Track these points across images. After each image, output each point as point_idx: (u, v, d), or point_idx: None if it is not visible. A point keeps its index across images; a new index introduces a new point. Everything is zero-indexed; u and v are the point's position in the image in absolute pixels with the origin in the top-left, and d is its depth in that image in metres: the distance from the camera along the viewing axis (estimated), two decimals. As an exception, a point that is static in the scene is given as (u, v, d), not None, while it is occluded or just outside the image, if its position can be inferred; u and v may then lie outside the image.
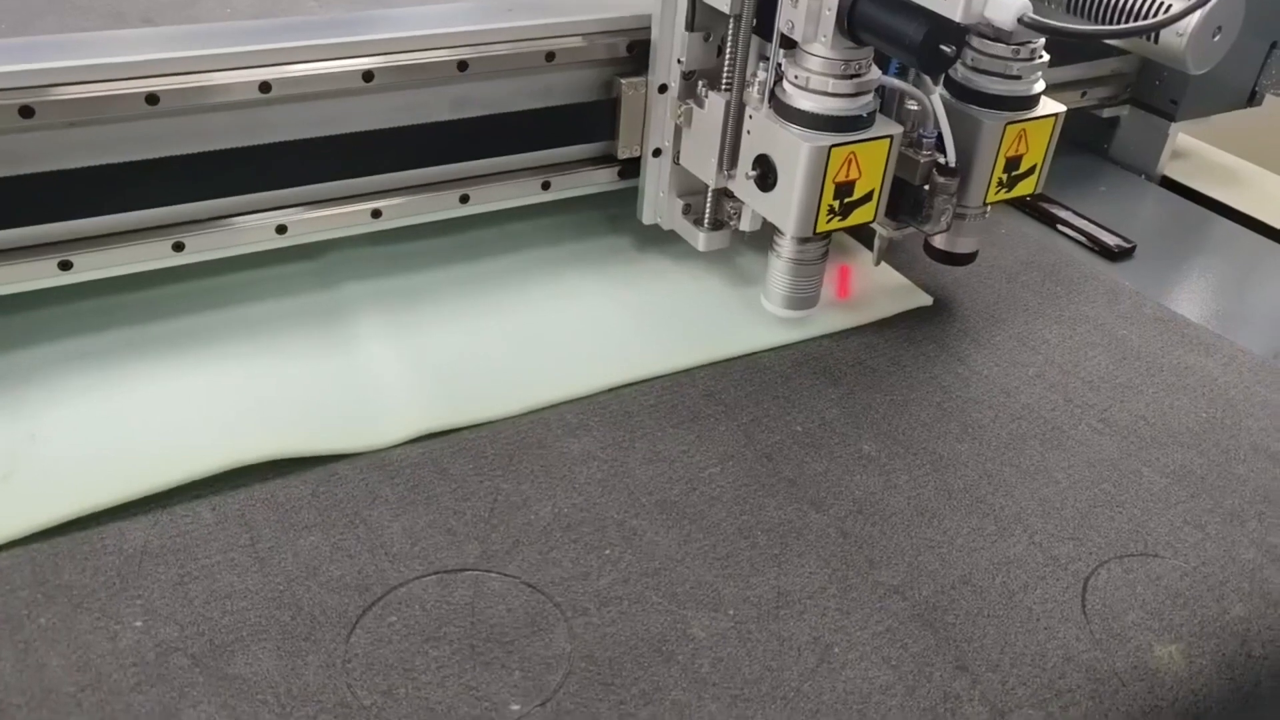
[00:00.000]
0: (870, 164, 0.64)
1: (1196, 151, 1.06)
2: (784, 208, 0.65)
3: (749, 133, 0.66)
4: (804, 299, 0.71)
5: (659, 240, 0.79)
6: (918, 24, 0.55)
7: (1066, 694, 0.49)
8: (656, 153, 0.74)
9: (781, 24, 0.62)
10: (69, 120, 0.59)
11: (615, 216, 0.82)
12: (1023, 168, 0.70)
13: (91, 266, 0.63)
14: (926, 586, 0.54)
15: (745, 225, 0.72)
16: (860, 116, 0.62)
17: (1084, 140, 1.03)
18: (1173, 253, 0.89)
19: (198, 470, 0.56)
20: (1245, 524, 0.59)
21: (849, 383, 0.68)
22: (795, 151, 0.62)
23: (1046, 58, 0.68)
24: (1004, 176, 0.70)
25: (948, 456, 0.63)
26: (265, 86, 0.62)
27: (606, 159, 0.76)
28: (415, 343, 0.68)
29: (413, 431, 0.61)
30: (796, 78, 0.62)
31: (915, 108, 0.68)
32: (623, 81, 0.72)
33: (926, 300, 0.76)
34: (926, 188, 0.68)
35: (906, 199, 0.69)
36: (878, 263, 0.75)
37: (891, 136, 0.64)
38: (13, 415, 0.59)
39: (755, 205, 0.69)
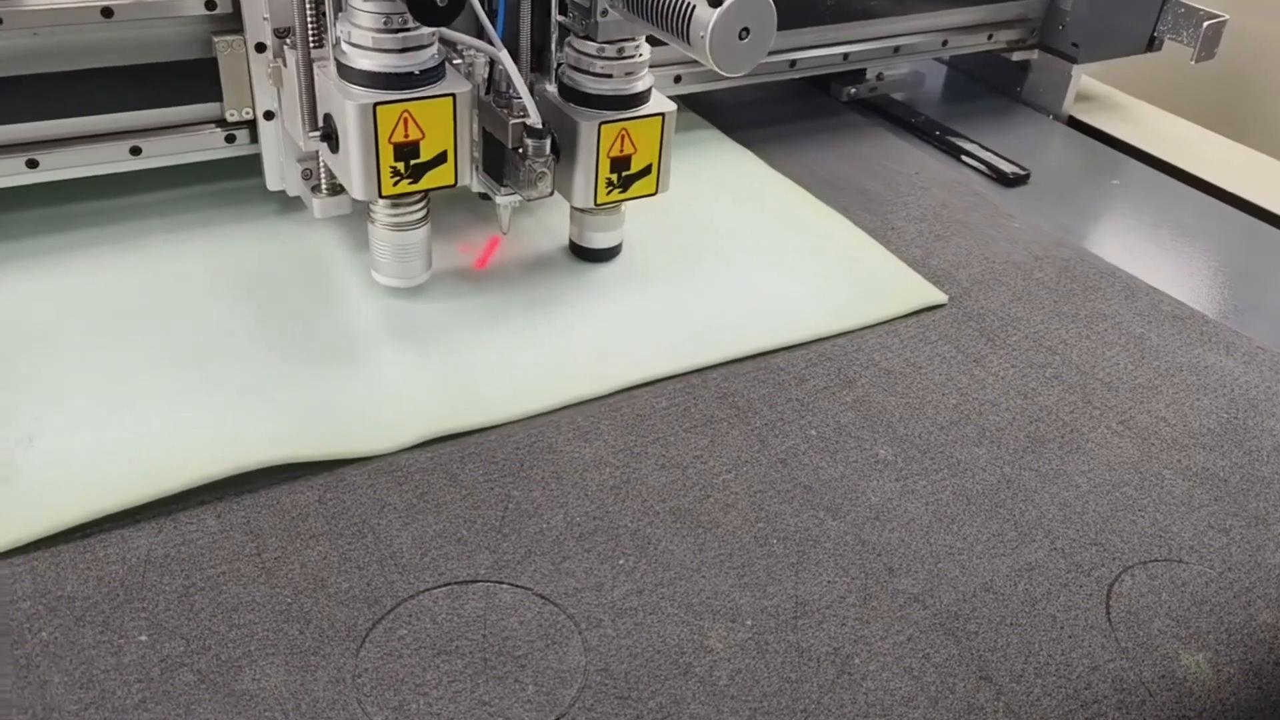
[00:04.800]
0: (434, 124, 0.61)
1: (1104, 95, 1.13)
2: (346, 169, 0.63)
3: (320, 92, 0.64)
4: (406, 268, 0.69)
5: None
6: None
7: (1093, 705, 0.48)
8: (268, 115, 0.72)
9: None
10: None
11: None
12: (635, 168, 0.69)
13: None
14: (947, 594, 0.53)
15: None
16: (413, 74, 0.60)
17: (997, 84, 1.12)
18: (1064, 180, 0.96)
19: (202, 476, 0.55)
20: (1270, 527, 0.58)
21: (863, 385, 0.67)
22: (344, 110, 0.60)
23: (645, 57, 0.68)
24: (613, 177, 0.69)
25: (966, 461, 0.61)
26: None
27: (219, 122, 0.73)
28: (423, 342, 0.67)
29: (420, 435, 0.59)
30: (346, 34, 0.60)
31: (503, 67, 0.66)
32: (217, 40, 0.69)
33: (941, 298, 0.75)
34: (520, 150, 0.66)
35: (508, 163, 0.68)
36: (505, 230, 0.73)
37: (454, 94, 0.61)
38: (9, 418, 0.58)
39: (333, 168, 0.67)
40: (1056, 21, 1.04)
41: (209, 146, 0.73)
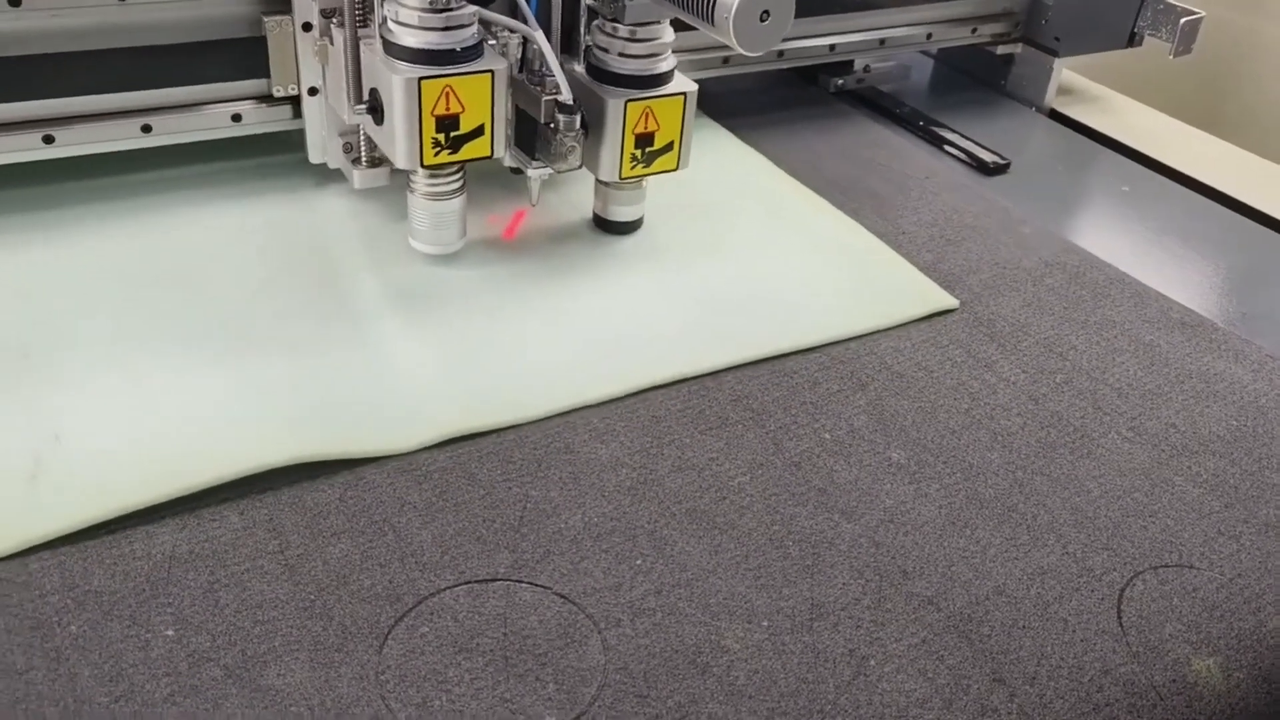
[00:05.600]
0: (473, 98, 0.66)
1: (1085, 88, 1.16)
2: (390, 140, 0.67)
3: (366, 68, 0.68)
4: (442, 235, 0.72)
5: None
6: None
7: (1105, 708, 0.49)
8: (312, 91, 0.76)
9: None
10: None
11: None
12: (658, 144, 0.73)
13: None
14: (960, 598, 0.54)
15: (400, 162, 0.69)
16: (454, 50, 0.64)
17: (982, 76, 1.14)
18: (1043, 170, 0.99)
19: (225, 473, 0.55)
20: None
21: (876, 388, 0.68)
22: (390, 84, 0.64)
23: (668, 38, 0.72)
24: (637, 153, 0.73)
25: (978, 465, 0.62)
26: None
27: (266, 98, 0.77)
28: (443, 342, 0.68)
29: (441, 434, 0.60)
30: (393, 13, 0.64)
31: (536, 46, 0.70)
32: (267, 19, 0.73)
33: (953, 303, 0.76)
34: (551, 125, 0.70)
35: (539, 137, 0.72)
36: (534, 202, 0.76)
37: (493, 71, 0.65)
38: (36, 415, 0.59)
39: (376, 139, 0.71)
40: (1039, 16, 1.07)
41: (257, 120, 0.77)
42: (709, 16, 0.62)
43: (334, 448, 0.58)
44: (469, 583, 0.52)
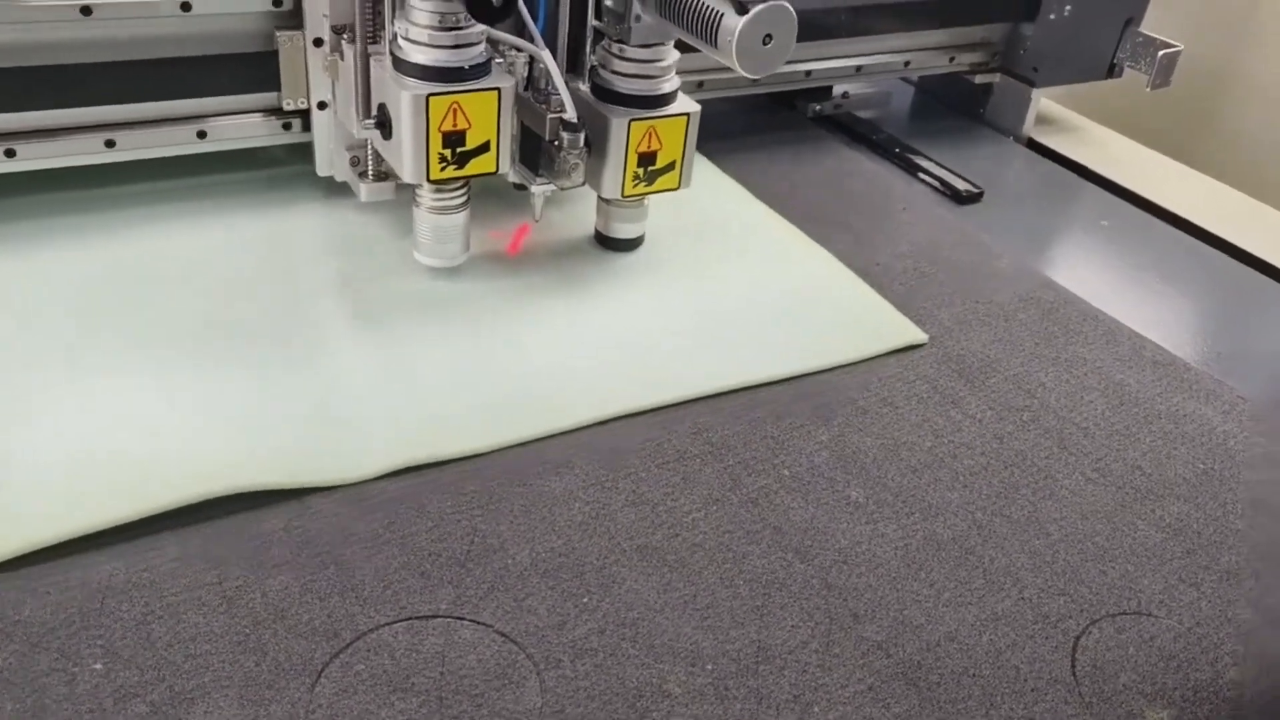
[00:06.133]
0: (479, 115, 0.67)
1: (1064, 118, 1.16)
2: (398, 155, 0.68)
3: (375, 84, 0.70)
4: (445, 249, 0.73)
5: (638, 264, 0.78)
6: None
7: (1052, 762, 0.48)
8: (322, 105, 0.77)
9: None
10: None
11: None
12: (660, 163, 0.74)
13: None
14: (911, 643, 0.53)
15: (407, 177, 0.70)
16: (463, 68, 0.66)
17: (961, 105, 1.14)
18: (1017, 200, 0.99)
19: (166, 502, 0.54)
20: (1241, 583, 0.58)
21: (840, 423, 0.67)
22: (399, 99, 0.65)
23: (671, 59, 0.73)
24: (640, 171, 0.74)
25: (937, 505, 0.61)
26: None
27: (276, 111, 0.78)
28: (414, 364, 0.67)
29: (393, 465, 0.59)
30: (404, 31, 0.66)
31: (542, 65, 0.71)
32: (279, 34, 0.74)
33: (922, 338, 0.75)
34: (556, 143, 0.71)
35: (543, 154, 0.72)
36: (537, 218, 0.77)
37: (499, 89, 0.67)
38: None
39: (384, 154, 0.72)
40: (1017, 46, 1.07)
41: (265, 133, 0.79)
42: (712, 39, 0.63)
43: (281, 477, 0.57)
44: (409, 619, 0.51)
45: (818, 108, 1.06)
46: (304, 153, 0.81)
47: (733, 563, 0.56)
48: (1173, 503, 0.63)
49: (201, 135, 0.77)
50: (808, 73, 0.99)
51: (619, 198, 0.75)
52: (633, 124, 0.72)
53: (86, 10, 0.68)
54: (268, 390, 0.63)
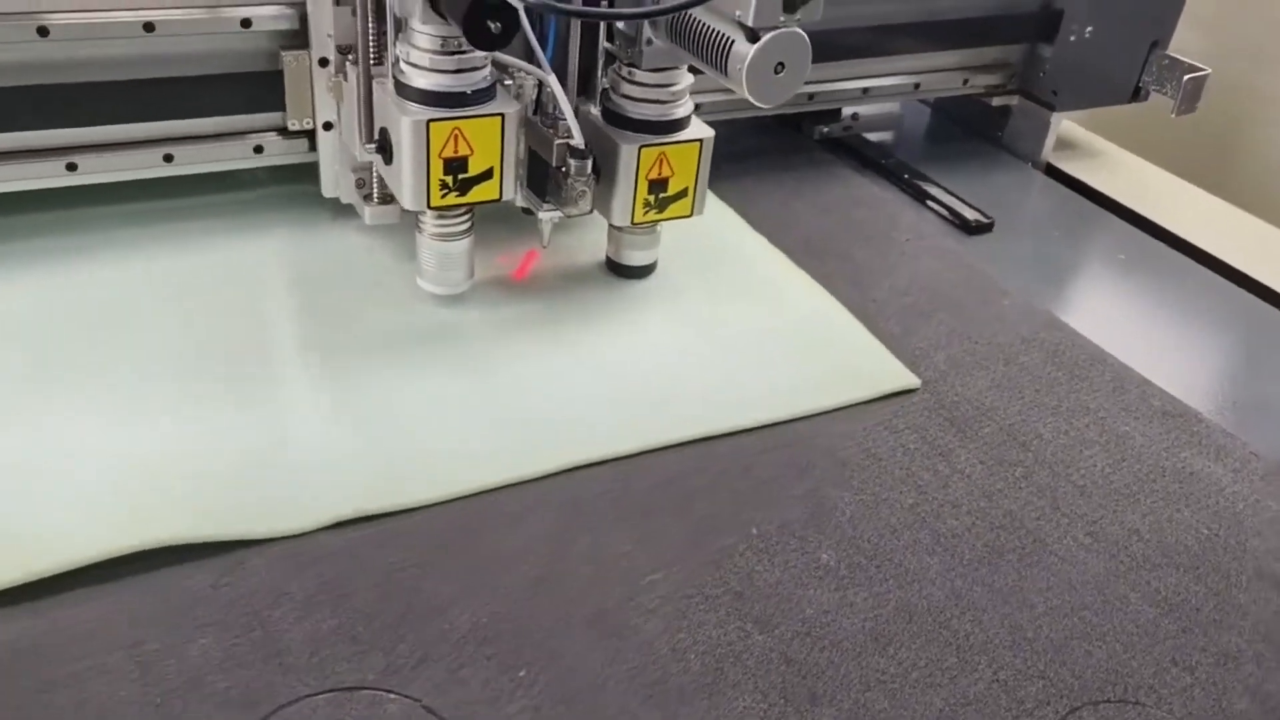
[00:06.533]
0: (483, 141, 0.65)
1: (1087, 142, 1.11)
2: (398, 180, 0.66)
3: (377, 107, 0.68)
4: (448, 276, 0.72)
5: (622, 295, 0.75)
6: (463, 0, 0.57)
7: None
8: (327, 126, 0.75)
9: (389, 1, 0.64)
10: None
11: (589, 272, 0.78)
12: (671, 190, 0.72)
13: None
14: (872, 729, 0.49)
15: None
16: (465, 93, 0.64)
17: (979, 128, 1.08)
18: (1030, 232, 0.94)
19: (87, 555, 0.52)
20: (1240, 667, 0.53)
21: (817, 476, 0.63)
22: (399, 125, 0.64)
23: (684, 84, 0.70)
24: (650, 198, 0.72)
25: (914, 570, 0.57)
26: None
27: (281, 130, 0.77)
28: (378, 401, 0.64)
29: (336, 516, 0.56)
30: (405, 54, 0.64)
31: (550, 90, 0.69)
32: (285, 54, 0.73)
33: (914, 382, 0.71)
34: (563, 169, 0.69)
35: (550, 180, 0.70)
36: (545, 244, 0.75)
37: (503, 115, 0.65)
38: None
39: (385, 178, 0.71)
40: (1036, 68, 1.02)
41: (272, 153, 0.77)
42: (722, 67, 0.61)
43: (212, 529, 0.54)
44: (333, 690, 0.48)
45: (825, 130, 1.02)
46: (286, 174, 0.80)
47: (687, 631, 0.53)
48: (1170, 573, 0.58)
49: (255, 150, 0.76)
50: (810, 95, 0.95)
51: (628, 225, 0.73)
52: (643, 150, 0.70)
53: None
54: (217, 431, 0.61)
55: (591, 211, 0.71)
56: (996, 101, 1.04)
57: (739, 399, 0.67)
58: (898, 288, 0.81)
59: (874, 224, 0.90)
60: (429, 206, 0.67)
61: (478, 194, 0.67)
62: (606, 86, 0.72)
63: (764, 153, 0.99)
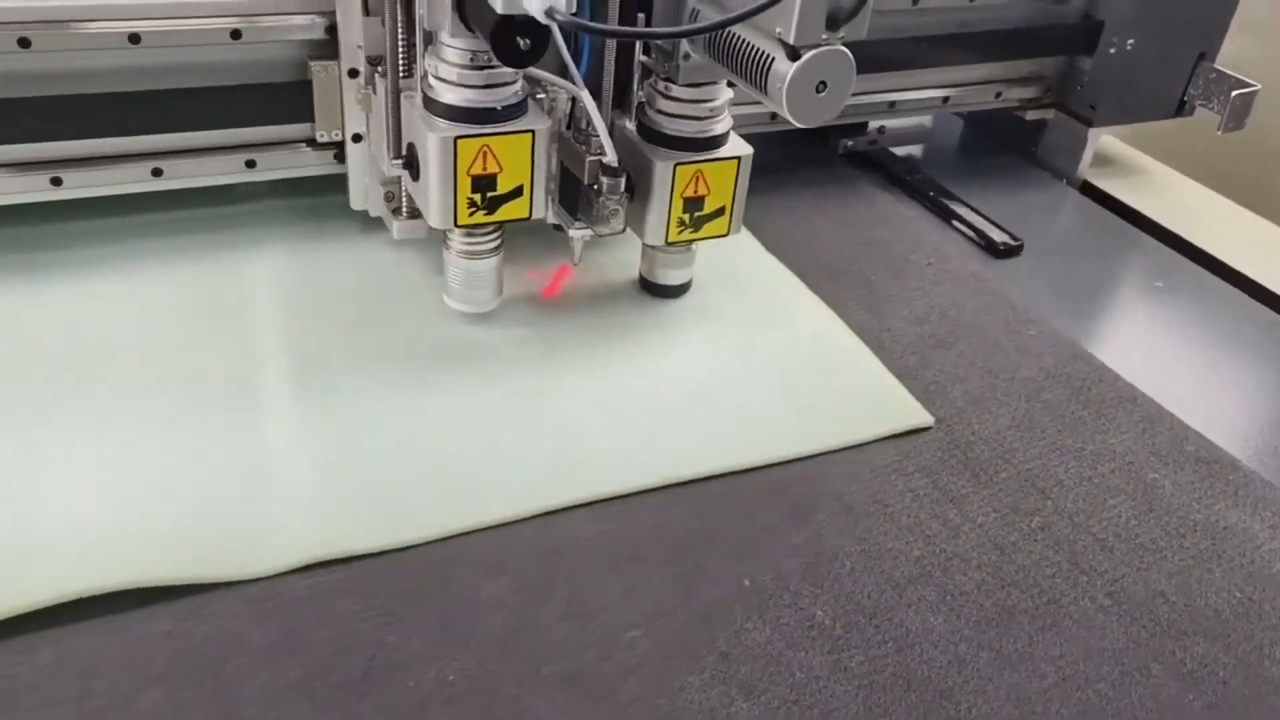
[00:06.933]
0: (512, 158, 0.63)
1: (1126, 158, 1.06)
2: (425, 198, 0.65)
3: (405, 122, 0.66)
4: (475, 295, 0.70)
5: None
6: (491, 15, 0.55)
7: None
8: (356, 138, 0.74)
9: (417, 13, 0.62)
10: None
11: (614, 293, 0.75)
12: (707, 209, 0.70)
13: None
14: (860, 813, 0.45)
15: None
16: (495, 109, 0.62)
17: (1014, 142, 1.03)
18: (1066, 255, 0.89)
19: (42, 598, 0.49)
20: (1270, 751, 0.49)
21: (818, 523, 0.59)
22: (426, 141, 0.62)
23: (723, 99, 0.68)
24: (685, 217, 0.69)
25: (916, 631, 0.53)
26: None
27: (310, 142, 0.75)
28: (358, 437, 0.61)
29: (304, 559, 0.54)
30: (434, 68, 0.62)
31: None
32: (313, 64, 0.71)
33: (927, 420, 0.67)
34: (595, 187, 0.67)
35: (582, 198, 0.68)
36: (576, 262, 0.73)
37: (533, 131, 0.63)
38: None
39: (413, 194, 0.69)
40: (1074, 81, 0.98)
41: (299, 164, 0.76)
42: (762, 85, 0.59)
43: (164, 571, 0.51)
44: (283, 754, 0.45)
45: (849, 143, 0.98)
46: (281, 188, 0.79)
47: (667, 696, 0.49)
48: (1198, 641, 0.54)
49: (250, 164, 0.75)
50: (833, 109, 0.91)
51: (662, 244, 0.71)
52: (678, 168, 0.67)
53: (135, 38, 0.67)
54: (190, 463, 0.58)
55: (624, 230, 0.69)
56: (1031, 115, 0.99)
57: (740, 437, 0.64)
58: (916, 315, 0.77)
59: (895, 245, 0.86)
60: (456, 225, 0.65)
61: (506, 212, 0.65)
62: (642, 101, 0.70)
63: (785, 166, 0.95)
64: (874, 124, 0.98)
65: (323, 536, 0.55)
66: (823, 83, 0.57)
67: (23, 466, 0.57)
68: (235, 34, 0.68)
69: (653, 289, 0.75)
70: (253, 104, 0.72)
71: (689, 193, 0.68)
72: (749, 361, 0.71)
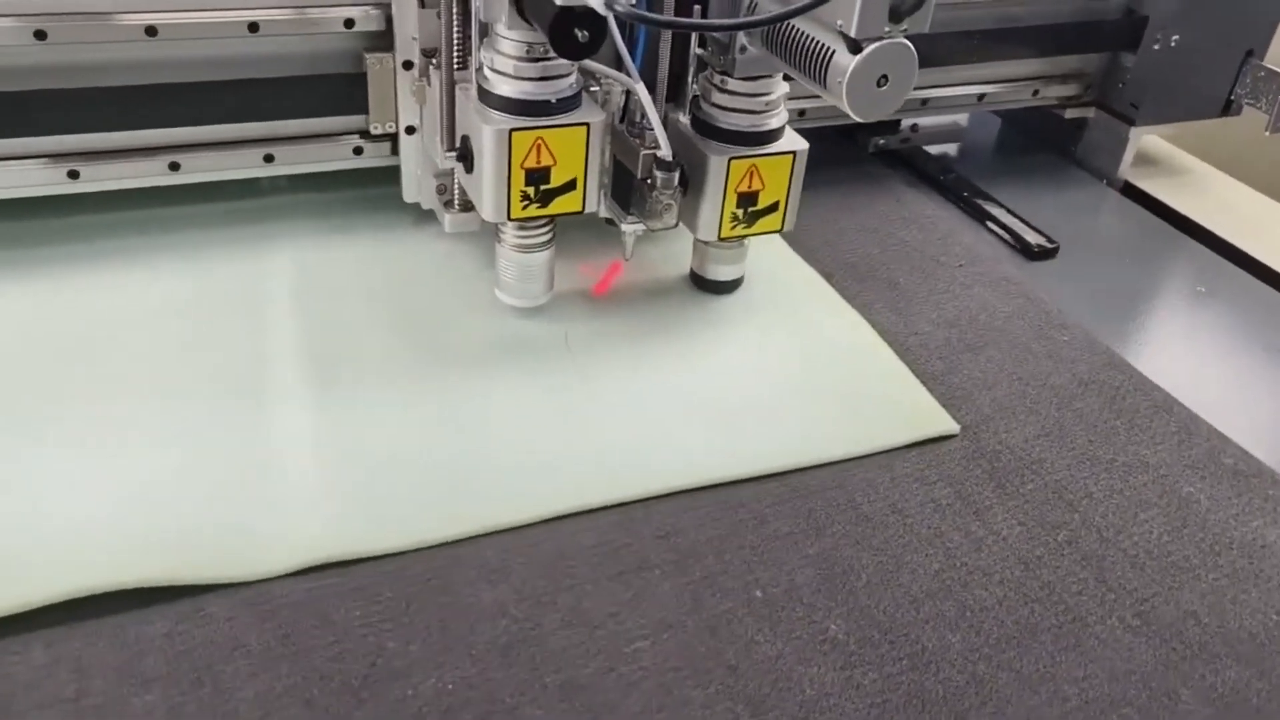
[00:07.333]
0: (566, 151, 0.63)
1: (1170, 158, 1.02)
2: (478, 190, 0.64)
3: (459, 114, 0.66)
4: (527, 289, 0.69)
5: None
6: (550, 7, 0.54)
7: None
8: (410, 130, 0.74)
9: (473, 6, 0.62)
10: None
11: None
12: (761, 204, 0.69)
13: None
14: (867, 838, 0.43)
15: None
16: (549, 101, 0.62)
17: (1052, 140, 1.01)
18: (1103, 259, 0.86)
19: (43, 596, 0.49)
20: (1306, 785, 0.47)
21: (834, 534, 0.57)
22: (480, 133, 0.62)
23: (779, 93, 0.67)
24: (739, 212, 0.68)
25: (933, 649, 0.51)
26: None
27: (364, 134, 0.76)
28: (373, 433, 0.60)
29: (306, 560, 0.53)
30: (489, 61, 0.62)
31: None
32: (369, 56, 0.71)
33: (953, 428, 0.65)
34: (649, 181, 0.66)
35: (635, 192, 0.68)
36: (628, 257, 0.73)
37: (588, 124, 0.62)
38: None
39: (466, 187, 0.69)
40: (1116, 79, 0.95)
41: (353, 157, 0.76)
42: (821, 78, 0.57)
43: (160, 573, 0.51)
44: (275, 762, 0.45)
45: (881, 142, 0.96)
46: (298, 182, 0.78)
47: (669, 711, 0.48)
48: (1230, 665, 0.52)
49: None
50: (862, 106, 0.89)
51: (715, 240, 0.70)
52: (733, 162, 0.66)
53: (151, 31, 0.66)
54: (195, 463, 0.58)
55: (677, 225, 0.69)
56: (1070, 114, 0.97)
57: (756, 441, 0.62)
58: (944, 318, 0.75)
59: (925, 246, 0.84)
60: (509, 218, 0.64)
61: (559, 205, 0.65)
62: (697, 94, 0.69)
63: (814, 163, 0.92)
64: (906, 122, 0.96)
65: (323, 540, 0.54)
66: (884, 76, 0.56)
67: (25, 463, 0.57)
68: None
69: (704, 284, 0.75)
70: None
71: (743, 188, 0.67)
72: (769, 364, 0.69)
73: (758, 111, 0.67)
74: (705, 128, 0.68)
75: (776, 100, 0.67)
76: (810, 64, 0.58)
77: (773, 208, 0.69)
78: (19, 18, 0.63)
